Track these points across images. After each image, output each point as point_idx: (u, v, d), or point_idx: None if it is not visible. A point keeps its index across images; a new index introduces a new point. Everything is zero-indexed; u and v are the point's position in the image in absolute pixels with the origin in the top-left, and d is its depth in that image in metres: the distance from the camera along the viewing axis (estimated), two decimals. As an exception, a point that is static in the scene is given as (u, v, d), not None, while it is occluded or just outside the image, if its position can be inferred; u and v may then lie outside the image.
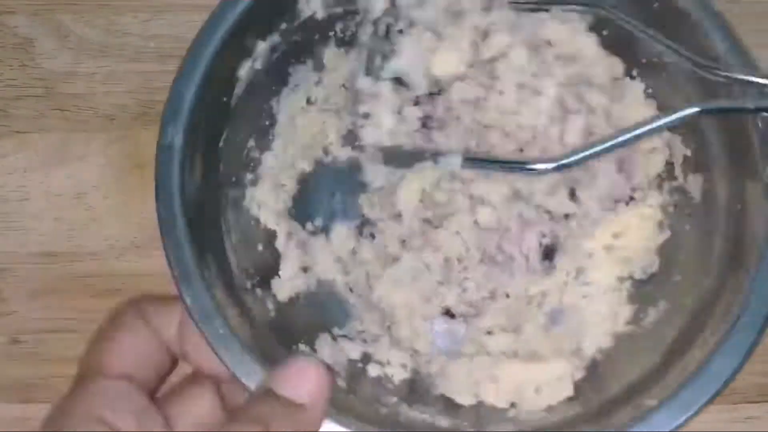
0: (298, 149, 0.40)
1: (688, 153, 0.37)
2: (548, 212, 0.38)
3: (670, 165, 0.38)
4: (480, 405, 0.36)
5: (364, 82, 0.36)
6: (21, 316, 0.42)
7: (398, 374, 0.37)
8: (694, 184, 0.36)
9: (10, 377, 0.42)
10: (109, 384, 0.30)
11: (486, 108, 0.38)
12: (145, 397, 0.30)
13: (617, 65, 0.38)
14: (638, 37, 0.35)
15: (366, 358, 0.37)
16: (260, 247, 0.38)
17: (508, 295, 0.38)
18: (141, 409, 0.30)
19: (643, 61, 0.37)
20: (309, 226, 0.40)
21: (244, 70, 0.36)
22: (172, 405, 0.32)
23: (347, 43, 0.39)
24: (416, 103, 0.38)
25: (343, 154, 0.40)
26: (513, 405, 0.35)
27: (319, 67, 0.40)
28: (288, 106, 0.39)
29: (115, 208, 0.44)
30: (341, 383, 0.35)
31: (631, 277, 0.38)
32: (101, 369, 0.30)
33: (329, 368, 0.30)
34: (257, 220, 0.38)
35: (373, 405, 0.34)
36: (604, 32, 0.37)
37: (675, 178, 0.37)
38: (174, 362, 0.33)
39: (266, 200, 0.39)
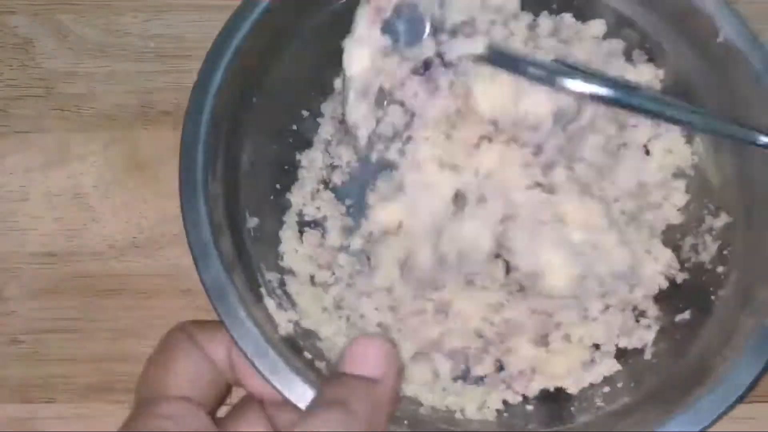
0: None
1: None
2: None
3: None
4: None
5: None
6: (21, 316, 0.42)
7: None
8: None
9: (10, 377, 0.42)
10: (171, 405, 0.30)
11: None
12: (206, 417, 0.30)
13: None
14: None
15: None
16: None
17: None
18: (204, 428, 0.30)
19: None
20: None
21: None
22: (228, 426, 0.32)
23: None
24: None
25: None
26: None
27: None
28: None
29: (115, 208, 0.44)
30: None
31: None
32: (160, 392, 0.30)
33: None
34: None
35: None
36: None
37: None
38: (229, 386, 0.33)
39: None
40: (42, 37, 0.46)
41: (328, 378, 0.31)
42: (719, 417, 0.32)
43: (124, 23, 0.46)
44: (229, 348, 0.32)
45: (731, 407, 0.32)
